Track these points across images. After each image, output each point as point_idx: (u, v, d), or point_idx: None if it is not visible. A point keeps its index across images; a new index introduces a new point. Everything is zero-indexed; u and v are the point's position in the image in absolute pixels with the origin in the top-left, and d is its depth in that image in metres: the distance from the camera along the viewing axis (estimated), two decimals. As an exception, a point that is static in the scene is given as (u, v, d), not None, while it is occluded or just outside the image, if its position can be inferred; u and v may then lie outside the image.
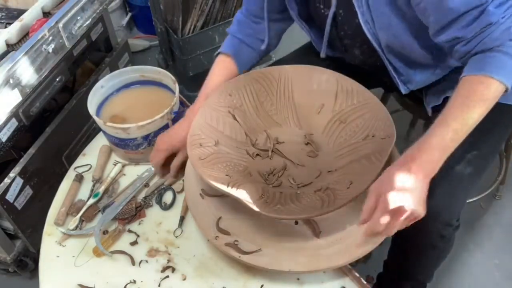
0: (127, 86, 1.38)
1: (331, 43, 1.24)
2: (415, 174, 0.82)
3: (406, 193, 0.80)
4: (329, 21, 1.14)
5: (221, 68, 1.21)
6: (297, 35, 1.44)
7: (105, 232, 1.16)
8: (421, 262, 1.18)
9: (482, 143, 1.04)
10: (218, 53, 1.23)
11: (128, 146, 1.26)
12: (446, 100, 1.03)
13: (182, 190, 1.24)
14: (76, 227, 1.17)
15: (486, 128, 1.01)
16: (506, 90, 0.86)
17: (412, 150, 0.86)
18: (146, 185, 1.26)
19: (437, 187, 0.99)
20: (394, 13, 0.99)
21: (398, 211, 0.80)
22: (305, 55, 1.35)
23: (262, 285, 1.06)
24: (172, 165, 1.13)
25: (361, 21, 1.02)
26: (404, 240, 1.16)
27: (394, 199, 0.79)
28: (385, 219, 0.80)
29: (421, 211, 0.82)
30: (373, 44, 1.07)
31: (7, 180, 1.29)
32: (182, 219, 1.18)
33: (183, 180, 1.22)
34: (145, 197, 1.23)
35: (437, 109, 1.09)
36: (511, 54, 0.85)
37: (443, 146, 0.84)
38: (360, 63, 1.23)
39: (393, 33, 1.02)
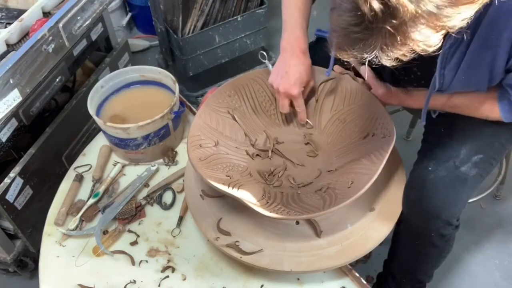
0: (127, 86, 1.38)
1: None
2: None
3: None
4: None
5: None
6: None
7: (105, 232, 1.16)
8: (421, 261, 1.18)
9: (488, 147, 1.06)
10: None
11: (128, 146, 1.26)
12: None
13: (182, 190, 1.23)
14: (76, 227, 1.17)
15: (492, 133, 1.05)
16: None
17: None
18: (146, 185, 1.26)
19: (441, 186, 1.00)
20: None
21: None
22: None
23: (262, 285, 1.06)
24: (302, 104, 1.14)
25: (437, 76, 0.93)
26: (405, 240, 1.17)
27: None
28: None
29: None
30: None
31: (7, 180, 1.29)
32: (180, 219, 1.18)
33: (183, 180, 1.22)
34: (145, 197, 1.23)
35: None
36: None
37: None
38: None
39: (469, 86, 0.96)
